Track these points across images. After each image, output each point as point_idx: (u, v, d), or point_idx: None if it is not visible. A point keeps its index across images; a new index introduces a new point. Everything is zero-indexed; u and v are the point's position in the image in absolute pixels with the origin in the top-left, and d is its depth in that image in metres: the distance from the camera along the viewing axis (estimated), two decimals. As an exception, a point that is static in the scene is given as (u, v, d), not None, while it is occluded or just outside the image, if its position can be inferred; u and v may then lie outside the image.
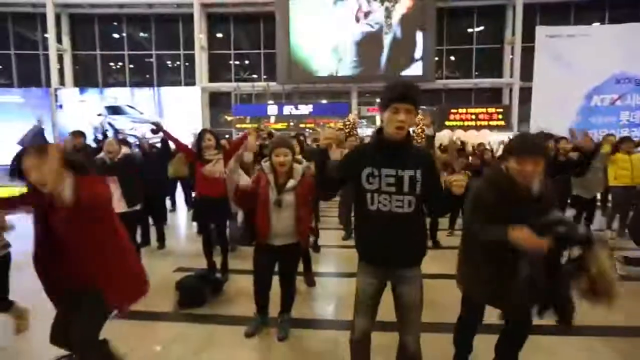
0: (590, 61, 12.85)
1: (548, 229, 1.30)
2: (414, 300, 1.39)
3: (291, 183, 1.95)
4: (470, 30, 14.99)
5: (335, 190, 1.54)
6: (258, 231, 1.97)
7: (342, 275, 3.09)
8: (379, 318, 1.47)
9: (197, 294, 2.31)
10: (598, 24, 13.71)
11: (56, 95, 13.93)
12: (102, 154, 3.06)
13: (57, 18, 14.17)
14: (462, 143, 7.60)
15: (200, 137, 2.91)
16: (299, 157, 2.27)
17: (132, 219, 2.93)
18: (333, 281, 2.94)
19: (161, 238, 3.77)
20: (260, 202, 1.94)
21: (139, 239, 3.63)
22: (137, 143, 5.20)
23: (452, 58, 15.02)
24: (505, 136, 11.96)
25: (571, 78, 13.03)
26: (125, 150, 3.08)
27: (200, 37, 14.27)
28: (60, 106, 13.97)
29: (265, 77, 15.00)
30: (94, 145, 4.96)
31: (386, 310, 1.47)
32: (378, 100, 1.67)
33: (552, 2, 13.95)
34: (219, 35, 15.36)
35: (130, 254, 1.45)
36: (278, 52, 13.77)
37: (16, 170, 1.23)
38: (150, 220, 4.03)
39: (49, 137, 13.96)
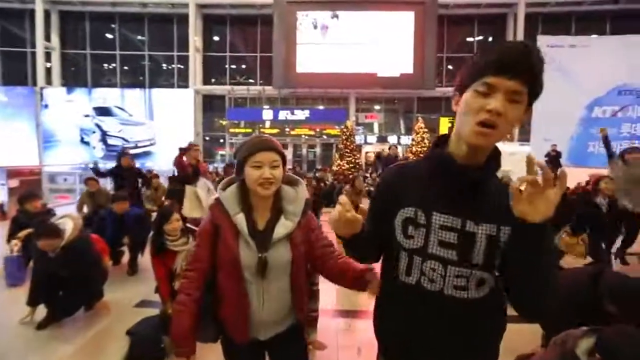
0: (592, 72, 12.70)
1: None
2: None
3: (284, 226, 1.00)
4: (469, 39, 14.76)
5: (377, 256, 0.90)
6: (227, 327, 1.04)
7: (341, 315, 2.58)
8: None
9: (153, 347, 1.81)
10: (596, 35, 13.55)
11: (42, 95, 13.35)
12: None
13: (47, 15, 13.68)
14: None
15: (163, 216, 2.04)
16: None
17: None
18: (331, 324, 2.39)
19: (134, 262, 3.24)
20: (224, 272, 1.00)
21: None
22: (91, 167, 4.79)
23: (450, 67, 14.76)
24: (509, 147, 11.69)
25: (572, 89, 12.86)
26: (70, 230, 2.19)
27: (195, 39, 13.85)
28: (46, 106, 13.40)
29: (261, 81, 14.59)
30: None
31: None
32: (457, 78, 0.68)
33: (553, 12, 13.80)
34: (215, 37, 14.97)
35: None
36: (275, 56, 13.38)
37: None
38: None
39: (34, 137, 13.41)
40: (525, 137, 12.88)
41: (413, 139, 11.76)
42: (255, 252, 0.97)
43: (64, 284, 2.21)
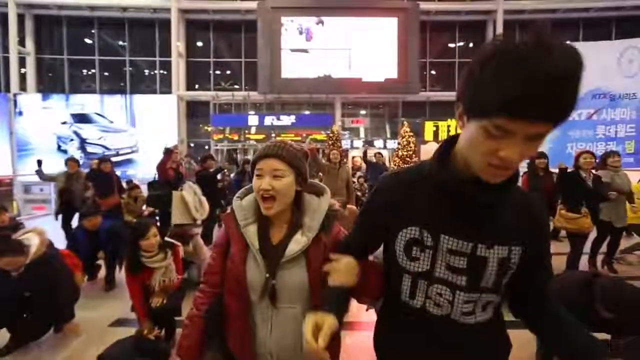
0: (567, 77, 13.17)
1: None
2: None
3: (297, 243, 0.86)
4: (451, 45, 15.08)
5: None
6: (234, 352, 0.91)
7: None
8: None
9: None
10: (569, 42, 14.09)
11: (15, 101, 12.81)
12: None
13: (21, 19, 13.17)
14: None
15: (138, 232, 1.91)
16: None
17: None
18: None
19: (110, 277, 3.06)
20: (229, 291, 0.89)
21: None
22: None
23: (433, 72, 15.01)
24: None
25: (550, 93, 13.29)
26: (36, 246, 2.03)
27: (177, 44, 13.61)
28: (20, 113, 12.86)
29: (246, 87, 14.44)
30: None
31: None
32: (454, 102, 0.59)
33: (530, 19, 14.30)
34: (199, 43, 14.75)
35: None
36: (259, 61, 13.29)
37: None
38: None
39: (7, 146, 12.79)
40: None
41: (399, 143, 11.85)
42: (264, 271, 0.83)
43: (30, 305, 2.04)
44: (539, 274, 0.69)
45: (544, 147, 10.18)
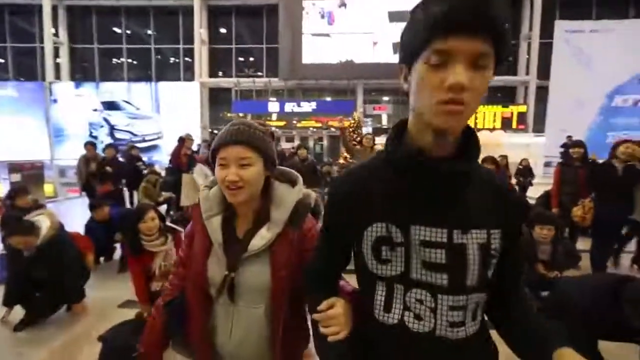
0: (613, 59, 12.08)
1: None
2: None
3: (261, 238, 0.78)
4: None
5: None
6: (194, 346, 0.87)
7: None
8: None
9: (124, 356, 1.68)
10: (619, 20, 12.82)
11: (51, 90, 13.49)
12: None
13: (54, 10, 13.73)
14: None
15: (138, 214, 1.93)
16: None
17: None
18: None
19: (125, 259, 3.16)
20: (190, 286, 0.84)
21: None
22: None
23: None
24: (524, 138, 11.20)
25: (592, 76, 12.30)
26: (46, 229, 2.11)
27: (200, 31, 13.71)
28: (55, 100, 13.54)
29: (268, 73, 14.40)
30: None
31: None
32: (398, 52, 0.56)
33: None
34: (222, 30, 14.81)
35: None
36: (280, 47, 13.14)
37: None
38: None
39: (44, 132, 13.57)
40: (540, 127, 12.38)
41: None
42: (224, 267, 0.77)
43: (41, 284, 2.11)
44: (513, 261, 0.60)
45: (582, 134, 9.35)
